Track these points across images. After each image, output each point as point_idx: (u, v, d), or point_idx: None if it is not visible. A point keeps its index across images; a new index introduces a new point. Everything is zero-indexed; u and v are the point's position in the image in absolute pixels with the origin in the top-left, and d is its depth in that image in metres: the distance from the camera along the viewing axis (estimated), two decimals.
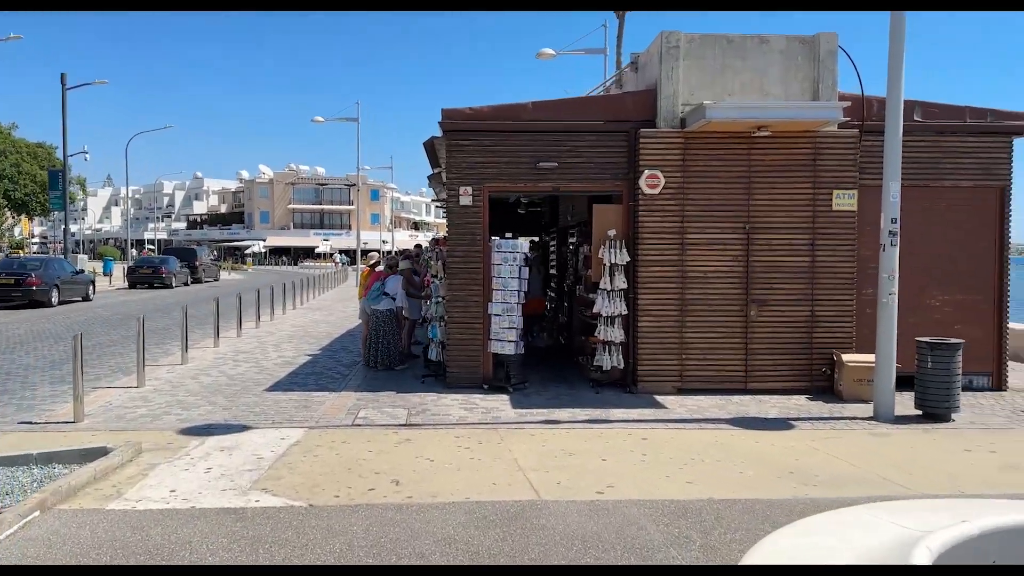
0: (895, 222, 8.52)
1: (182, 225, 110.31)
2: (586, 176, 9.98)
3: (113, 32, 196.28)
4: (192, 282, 37.51)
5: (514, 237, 9.77)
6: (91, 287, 25.78)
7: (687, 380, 9.84)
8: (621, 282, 9.76)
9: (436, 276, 10.87)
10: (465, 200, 9.88)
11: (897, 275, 8.55)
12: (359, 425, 7.91)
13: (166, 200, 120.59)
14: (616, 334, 9.77)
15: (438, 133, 10.10)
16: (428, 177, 12.90)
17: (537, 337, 13.89)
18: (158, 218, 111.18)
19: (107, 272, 39.95)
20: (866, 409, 8.98)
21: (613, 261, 9.75)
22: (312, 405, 8.88)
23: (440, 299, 10.41)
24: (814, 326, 9.91)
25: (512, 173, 9.93)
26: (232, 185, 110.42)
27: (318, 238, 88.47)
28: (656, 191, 9.74)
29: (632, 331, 9.94)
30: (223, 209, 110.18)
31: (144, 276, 33.88)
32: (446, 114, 9.84)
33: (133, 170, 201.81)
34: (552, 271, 17.74)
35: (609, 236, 9.82)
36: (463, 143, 9.90)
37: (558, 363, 12.16)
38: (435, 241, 10.81)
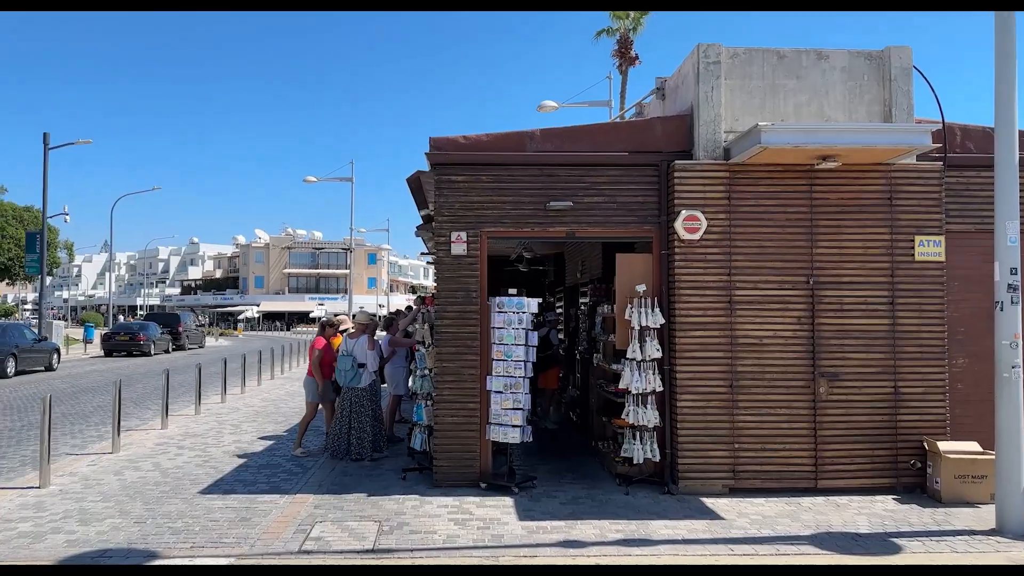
0: (1016, 273, 6.56)
1: (176, 291, 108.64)
2: (607, 219, 8.07)
3: (105, 93, 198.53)
4: (174, 349, 35.33)
5: (519, 294, 7.75)
6: (55, 355, 23.67)
7: (741, 477, 7.70)
8: (654, 350, 7.73)
9: (422, 343, 8.86)
10: (458, 249, 7.93)
11: (1022, 341, 6.54)
12: (308, 551, 5.76)
13: (161, 265, 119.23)
14: (649, 417, 7.68)
15: (426, 167, 8.24)
16: (417, 228, 11.02)
17: (544, 416, 11.76)
18: (152, 284, 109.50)
19: (88, 338, 37.87)
20: (979, 517, 6.86)
21: (643, 324, 7.75)
22: (254, 516, 6.73)
23: (426, 372, 8.37)
24: (898, 406, 7.84)
25: (516, 215, 8.01)
26: (228, 250, 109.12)
27: (313, 303, 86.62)
28: (696, 236, 7.82)
29: (669, 413, 7.86)
30: (218, 274, 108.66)
31: (121, 343, 31.72)
32: (435, 144, 8.00)
33: (128, 235, 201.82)
34: (560, 336, 15.72)
35: (638, 292, 7.84)
36: (456, 179, 8.01)
37: (572, 449, 10.02)
38: (421, 300, 8.84)
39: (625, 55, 28.21)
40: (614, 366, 8.61)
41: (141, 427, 11.76)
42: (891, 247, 7.93)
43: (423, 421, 8.26)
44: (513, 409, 7.69)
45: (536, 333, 7.93)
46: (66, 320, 70.64)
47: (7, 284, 59.11)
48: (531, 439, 7.90)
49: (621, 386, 7.89)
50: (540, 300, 13.00)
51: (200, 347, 39.90)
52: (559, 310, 15.94)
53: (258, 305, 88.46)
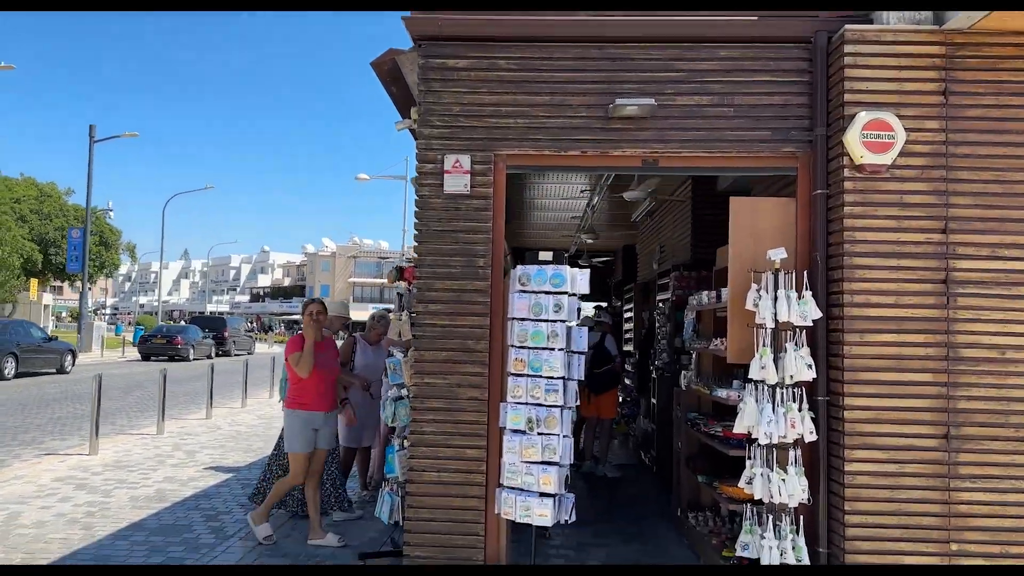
0: None
1: (245, 298, 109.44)
2: (717, 135, 4.63)
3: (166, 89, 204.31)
4: (220, 354, 33.25)
5: (557, 261, 4.37)
6: (69, 357, 21.48)
7: None
8: (801, 366, 4.24)
9: (399, 343, 5.61)
10: (456, 183, 4.64)
11: None
12: None
13: (232, 273, 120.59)
14: (793, 489, 4.19)
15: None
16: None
17: (598, 461, 8.32)
18: (224, 291, 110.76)
19: (117, 334, 36.57)
20: None
21: (780, 319, 4.28)
22: None
23: (404, 393, 5.05)
24: None
25: (557, 127, 4.66)
26: (297, 259, 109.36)
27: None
28: (885, 158, 4.30)
29: (826, 480, 4.35)
30: (287, 282, 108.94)
31: (158, 347, 29.72)
32: (417, 15, 4.73)
33: (201, 241, 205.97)
34: (627, 348, 12.23)
35: (771, 263, 4.37)
36: (455, 64, 4.72)
37: (644, 514, 6.54)
38: (398, 273, 5.54)
39: None
40: (719, 392, 5.14)
41: (64, 451, 8.87)
42: None
43: (395, 474, 4.94)
44: (543, 463, 4.33)
45: (585, 332, 4.54)
46: (131, 325, 70.89)
47: (70, 285, 59.16)
48: (573, 517, 4.50)
49: (738, 429, 4.41)
50: (598, 306, 9.59)
51: (249, 353, 37.80)
52: (627, 313, 12.45)
53: None
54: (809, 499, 4.28)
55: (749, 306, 4.46)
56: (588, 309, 9.94)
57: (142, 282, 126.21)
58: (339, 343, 6.50)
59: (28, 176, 46.79)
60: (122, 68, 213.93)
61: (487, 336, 4.63)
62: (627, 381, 10.60)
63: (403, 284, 5.39)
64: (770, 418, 4.24)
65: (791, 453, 4.28)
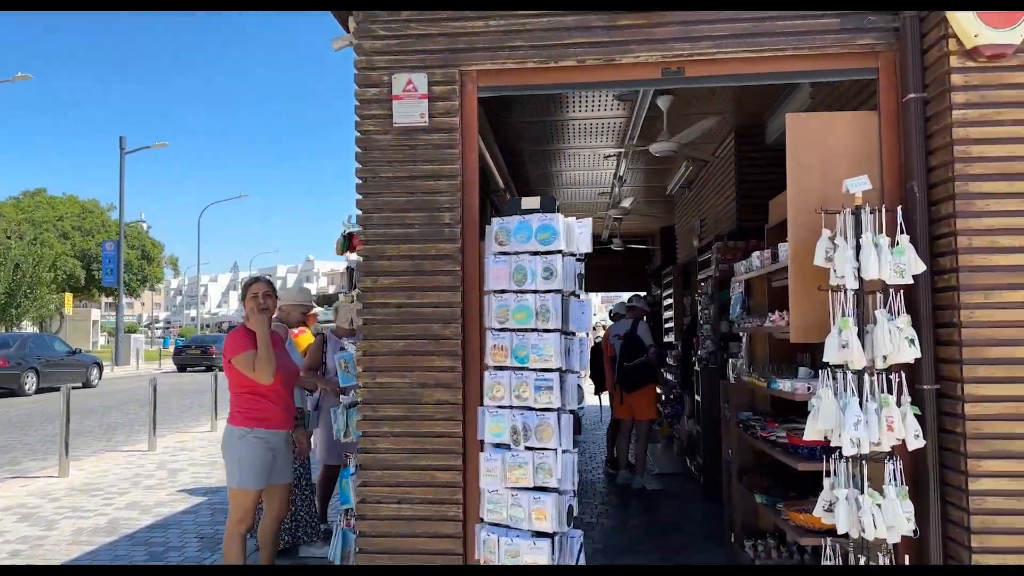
0: None
1: None
2: (763, 26, 3.35)
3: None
4: None
5: (548, 209, 3.14)
6: (95, 370, 20.98)
7: None
8: (902, 343, 2.94)
9: (350, 329, 4.48)
10: (410, 111, 3.45)
11: None
12: None
13: (279, 283, 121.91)
14: (893, 514, 2.89)
15: None
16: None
17: (634, 472, 7.05)
18: None
19: (164, 347, 36.60)
20: None
21: (867, 275, 3.00)
22: None
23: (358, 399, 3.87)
24: None
25: (545, 31, 3.43)
26: (341, 266, 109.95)
27: None
28: (1013, 36, 2.98)
29: (938, 499, 3.04)
30: (331, 290, 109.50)
31: (193, 357, 29.28)
32: None
33: (244, 251, 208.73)
34: (668, 339, 10.90)
35: (852, 195, 3.08)
36: None
37: (692, 533, 5.25)
38: (344, 242, 4.36)
39: None
40: (780, 384, 3.84)
41: (34, 472, 7.95)
42: None
43: (350, 503, 3.77)
44: (536, 490, 3.12)
45: (587, 306, 3.30)
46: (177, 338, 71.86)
47: (113, 300, 59.92)
48: (582, 560, 3.27)
49: (810, 435, 3.12)
50: (635, 295, 8.32)
51: None
52: (666, 300, 11.13)
53: None
54: (916, 531, 2.98)
55: (819, 261, 3.17)
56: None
57: (191, 296, 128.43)
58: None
59: (71, 194, 47.31)
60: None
61: (459, 317, 3.43)
62: (669, 376, 9.30)
63: (353, 256, 4.21)
64: (857, 418, 2.96)
65: (889, 466, 2.99)
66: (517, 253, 3.23)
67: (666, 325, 11.32)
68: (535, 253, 3.21)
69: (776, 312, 3.97)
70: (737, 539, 4.68)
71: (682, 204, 9.90)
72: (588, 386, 8.20)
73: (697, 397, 7.19)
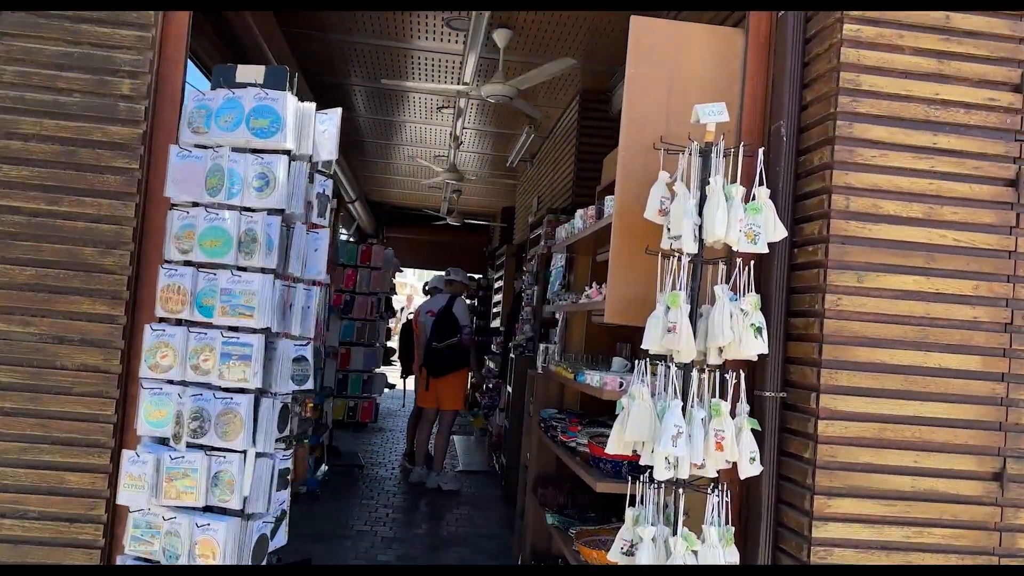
0: None
1: None
2: None
3: None
4: None
5: (277, 85, 2.04)
6: None
7: None
8: (746, 333, 2.12)
9: None
10: None
11: None
12: None
13: None
14: (710, 555, 2.06)
15: None
16: None
17: (427, 471, 6.10)
18: None
19: None
20: None
21: (710, 237, 2.16)
22: None
23: None
24: None
25: None
26: None
27: None
28: None
29: (771, 548, 2.25)
30: None
31: None
32: None
33: None
34: (496, 324, 10.08)
35: (702, 126, 2.22)
36: None
37: (469, 544, 4.34)
38: None
39: None
40: (587, 376, 2.95)
41: None
42: None
43: None
44: (207, 511, 2.02)
45: (323, 241, 2.25)
46: None
47: None
48: None
49: (614, 448, 2.24)
50: (471, 276, 7.33)
51: None
52: (497, 283, 10.32)
53: None
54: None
55: (651, 213, 2.29)
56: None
57: None
58: None
59: None
60: None
61: (129, 241, 2.26)
62: (492, 365, 8.45)
63: None
64: (678, 429, 2.10)
65: (712, 499, 2.16)
66: (219, 147, 2.11)
67: (494, 309, 10.51)
68: (248, 151, 2.11)
69: (594, 286, 3.10)
70: (525, 563, 3.81)
71: (524, 182, 9.12)
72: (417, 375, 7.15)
73: (509, 389, 6.33)
